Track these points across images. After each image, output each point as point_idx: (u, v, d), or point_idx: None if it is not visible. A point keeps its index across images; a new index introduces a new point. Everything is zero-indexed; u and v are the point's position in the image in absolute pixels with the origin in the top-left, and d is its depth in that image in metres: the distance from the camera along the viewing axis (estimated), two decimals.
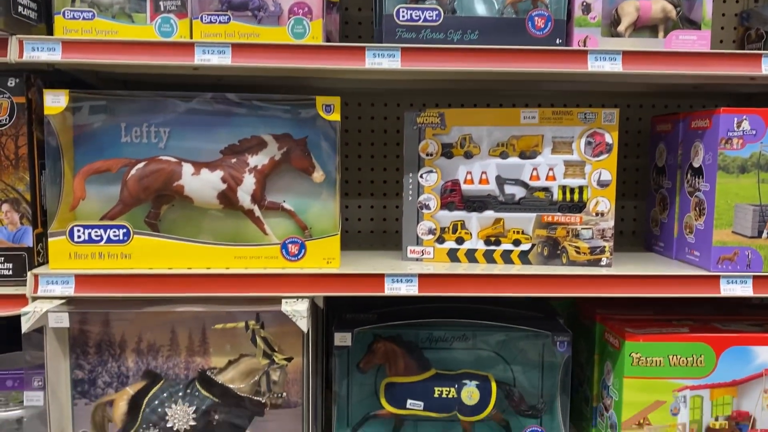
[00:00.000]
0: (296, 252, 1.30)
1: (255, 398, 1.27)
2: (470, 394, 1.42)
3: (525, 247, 1.38)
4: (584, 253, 1.36)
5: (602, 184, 1.35)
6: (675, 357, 1.36)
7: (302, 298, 1.28)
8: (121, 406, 1.25)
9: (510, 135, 1.36)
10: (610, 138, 1.34)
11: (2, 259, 1.27)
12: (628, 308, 1.56)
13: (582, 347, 1.61)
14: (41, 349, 1.25)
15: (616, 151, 1.34)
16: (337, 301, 1.65)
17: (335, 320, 1.45)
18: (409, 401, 1.43)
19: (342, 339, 1.40)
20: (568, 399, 1.42)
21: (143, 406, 1.24)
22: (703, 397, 1.38)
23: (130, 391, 1.26)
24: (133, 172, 1.30)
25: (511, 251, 1.38)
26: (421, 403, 1.43)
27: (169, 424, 1.24)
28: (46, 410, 1.26)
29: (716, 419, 1.38)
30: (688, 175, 1.41)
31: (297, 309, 1.23)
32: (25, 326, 1.18)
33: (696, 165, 1.38)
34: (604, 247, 1.36)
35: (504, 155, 1.36)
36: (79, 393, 1.33)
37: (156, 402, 1.24)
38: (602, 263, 1.35)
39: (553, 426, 1.43)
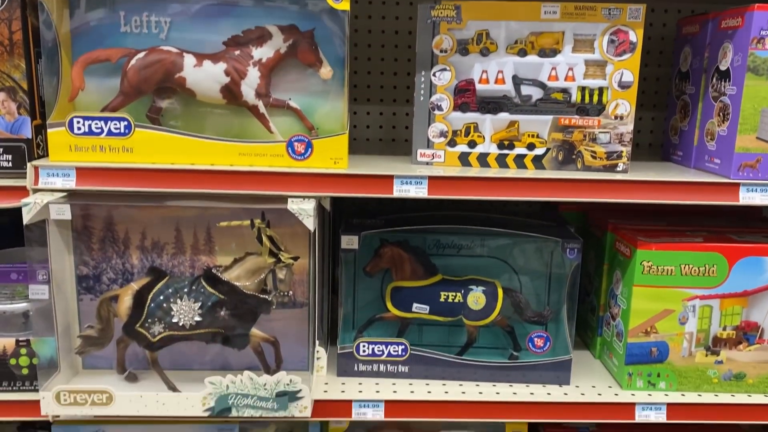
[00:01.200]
0: (302, 151, 1.25)
1: (261, 296, 1.26)
2: (476, 299, 1.41)
3: (539, 151, 1.33)
4: (600, 158, 1.31)
5: (623, 86, 1.29)
6: (687, 266, 1.34)
7: (308, 198, 1.24)
8: (125, 301, 1.24)
9: (529, 31, 1.28)
10: (635, 36, 1.26)
11: (1, 150, 1.23)
12: (641, 219, 1.53)
13: (590, 258, 1.59)
14: (45, 245, 1.23)
15: (639, 51, 1.27)
16: (344, 207, 1.62)
17: (342, 224, 1.42)
18: (414, 305, 1.42)
19: (349, 242, 1.38)
20: (575, 307, 1.41)
21: (148, 301, 1.23)
22: (712, 307, 1.37)
23: (135, 286, 1.25)
24: (133, 62, 1.24)
25: (525, 156, 1.33)
26: (427, 307, 1.42)
27: (174, 320, 1.24)
28: (51, 305, 1.26)
29: (724, 329, 1.38)
30: (714, 79, 1.34)
31: (303, 208, 1.20)
32: (27, 217, 1.15)
33: (723, 68, 1.31)
34: (622, 152, 1.31)
35: (522, 53, 1.30)
36: (84, 289, 1.33)
37: (161, 297, 1.24)
38: (618, 168, 1.31)
39: (558, 333, 1.43)
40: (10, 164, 1.24)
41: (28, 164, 1.20)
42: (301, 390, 1.24)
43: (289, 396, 1.24)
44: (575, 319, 1.42)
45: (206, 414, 1.23)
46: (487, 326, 1.45)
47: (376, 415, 1.34)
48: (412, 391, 1.36)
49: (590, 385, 1.42)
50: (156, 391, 1.25)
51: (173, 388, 1.28)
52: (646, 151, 1.75)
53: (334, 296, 1.56)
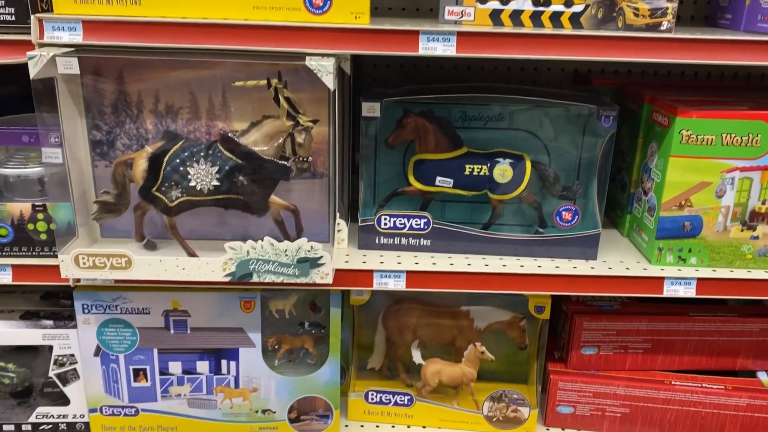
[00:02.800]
0: (321, 4, 1.16)
1: (280, 162, 1.21)
2: (503, 172, 1.35)
3: (578, 8, 1.23)
4: (643, 16, 1.21)
5: None
6: (728, 136, 1.26)
7: (327, 56, 1.17)
8: (141, 164, 1.20)
9: None
10: None
11: (3, 2, 1.16)
12: (679, 92, 1.44)
13: (623, 134, 1.51)
14: (55, 108, 1.18)
15: None
16: (364, 79, 1.55)
17: (363, 92, 1.35)
18: (438, 178, 1.37)
19: (370, 109, 1.32)
20: (606, 180, 1.35)
21: (164, 164, 1.19)
22: (752, 179, 1.30)
23: (150, 149, 1.21)
24: None
25: (562, 13, 1.23)
26: (451, 181, 1.37)
27: (191, 184, 1.20)
28: (65, 170, 1.22)
29: (763, 203, 1.31)
30: None
31: (323, 64, 1.13)
32: (33, 71, 1.10)
33: None
34: (667, 8, 1.20)
35: None
36: (98, 155, 1.29)
37: (177, 161, 1.19)
38: (662, 27, 1.21)
39: (587, 208, 1.38)
40: (14, 18, 1.17)
41: (32, 17, 1.13)
42: (322, 257, 1.21)
43: (310, 262, 1.22)
44: (606, 194, 1.36)
45: (227, 279, 1.22)
46: (513, 202, 1.40)
47: (398, 284, 1.32)
48: (434, 263, 1.34)
49: (618, 260, 1.38)
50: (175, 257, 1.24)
51: (192, 255, 1.26)
52: (687, 23, 1.63)
53: (354, 176, 1.51)
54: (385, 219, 1.37)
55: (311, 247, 1.21)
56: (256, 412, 1.42)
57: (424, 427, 1.51)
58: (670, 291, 1.32)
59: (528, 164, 1.36)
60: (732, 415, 1.45)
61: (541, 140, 1.39)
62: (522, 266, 1.33)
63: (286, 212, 1.28)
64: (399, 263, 1.33)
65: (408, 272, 1.31)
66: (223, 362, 1.39)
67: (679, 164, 1.29)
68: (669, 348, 1.49)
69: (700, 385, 1.46)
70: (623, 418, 1.48)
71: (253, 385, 1.40)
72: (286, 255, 1.21)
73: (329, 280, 1.23)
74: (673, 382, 1.47)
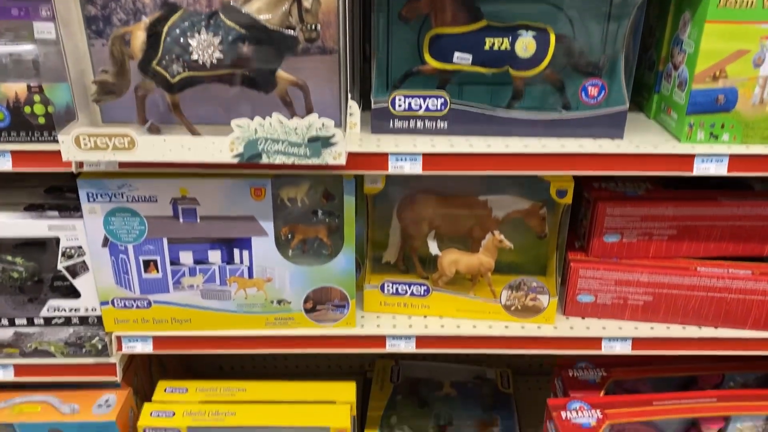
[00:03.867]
0: None
1: (286, 31, 1.13)
2: (525, 45, 1.27)
3: None
4: None
5: None
6: None
7: None
8: (139, 36, 1.13)
9: None
10: None
11: None
12: None
13: (651, 11, 1.41)
14: None
15: None
16: None
17: None
18: (456, 54, 1.28)
19: None
20: (636, 50, 1.26)
21: (163, 35, 1.11)
22: None
23: (148, 20, 1.13)
24: None
25: None
26: (470, 57, 1.28)
27: (194, 57, 1.13)
28: (60, 47, 1.15)
29: None
30: None
31: None
32: None
33: None
34: None
35: None
36: (94, 33, 1.21)
37: (177, 31, 1.11)
38: None
39: (614, 83, 1.29)
40: None
41: None
42: (334, 135, 1.15)
43: (321, 141, 1.16)
44: (635, 67, 1.28)
45: (235, 160, 1.16)
46: (536, 81, 1.32)
47: (414, 168, 1.26)
48: (451, 145, 1.27)
49: (645, 140, 1.31)
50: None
51: (197, 134, 1.20)
52: None
53: (366, 64, 1.43)
54: (400, 100, 1.30)
55: (323, 125, 1.14)
56: (271, 302, 1.39)
57: (440, 317, 1.49)
58: (700, 169, 1.26)
59: (552, 37, 1.26)
60: (759, 300, 1.41)
61: (564, 12, 1.29)
62: (544, 146, 1.27)
63: (295, 91, 1.21)
64: (415, 146, 1.26)
65: (424, 155, 1.25)
66: (236, 252, 1.35)
67: (715, 31, 1.19)
68: (695, 234, 1.44)
69: (726, 270, 1.42)
70: (646, 306, 1.45)
71: (268, 275, 1.37)
72: (296, 133, 1.15)
73: (342, 161, 1.17)
74: (698, 269, 1.42)
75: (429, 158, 1.26)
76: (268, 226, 1.32)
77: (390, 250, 1.53)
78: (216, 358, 2.08)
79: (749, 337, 1.43)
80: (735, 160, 1.25)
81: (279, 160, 1.17)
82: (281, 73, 1.18)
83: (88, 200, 1.28)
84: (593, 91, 1.28)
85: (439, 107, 1.30)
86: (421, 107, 1.30)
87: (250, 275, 1.37)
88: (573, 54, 1.28)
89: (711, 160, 1.25)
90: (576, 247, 1.50)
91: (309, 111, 1.22)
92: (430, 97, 1.30)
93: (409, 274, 1.54)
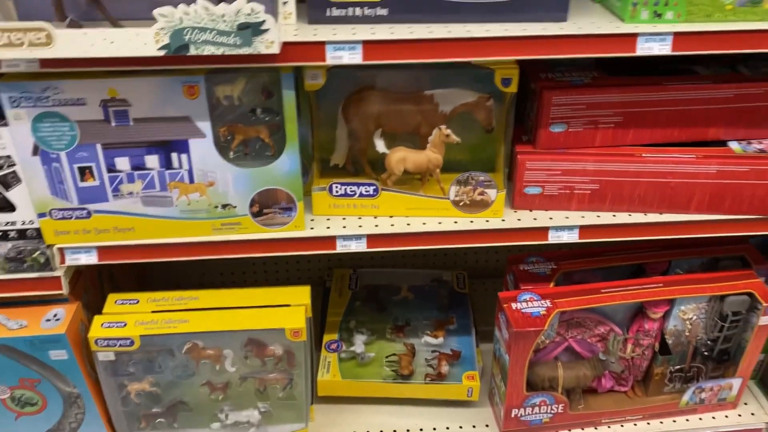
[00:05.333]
0: None
1: None
2: None
3: None
4: None
5: None
6: None
7: None
8: None
9: None
10: None
11: None
12: None
13: None
14: None
15: None
16: None
17: None
18: None
19: None
20: None
21: None
22: None
23: None
24: None
25: None
26: None
27: None
28: None
29: None
30: None
31: None
32: None
33: None
34: None
35: None
36: None
37: None
38: None
39: None
40: None
41: None
42: (265, 21, 1.09)
43: (252, 29, 1.10)
44: None
45: (162, 53, 1.10)
46: None
47: (353, 58, 1.20)
48: (392, 32, 1.22)
49: (590, 22, 1.28)
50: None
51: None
52: None
53: None
54: None
55: (251, 10, 1.08)
56: (216, 207, 1.37)
57: (391, 216, 1.48)
58: (644, 48, 1.24)
59: None
60: (701, 183, 1.43)
61: None
62: (488, 30, 1.23)
63: None
64: (354, 34, 1.21)
65: (364, 42, 1.20)
66: (174, 156, 1.31)
67: None
68: (641, 121, 1.44)
69: (670, 155, 1.43)
70: (592, 195, 1.46)
71: (209, 179, 1.33)
72: (224, 21, 1.09)
73: (275, 49, 1.12)
74: (643, 155, 1.43)
75: (369, 46, 1.21)
76: (206, 126, 1.28)
77: (338, 152, 1.50)
78: (170, 274, 2.06)
79: (692, 220, 1.46)
80: (679, 38, 1.23)
81: (208, 50, 1.11)
82: None
83: (12, 105, 1.21)
84: None
85: None
86: None
87: (191, 180, 1.33)
88: None
89: (654, 39, 1.23)
90: (523, 141, 1.49)
91: None
92: None
93: (359, 176, 1.52)
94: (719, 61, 1.53)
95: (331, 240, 1.43)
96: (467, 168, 1.47)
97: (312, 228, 1.44)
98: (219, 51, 1.11)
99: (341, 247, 1.44)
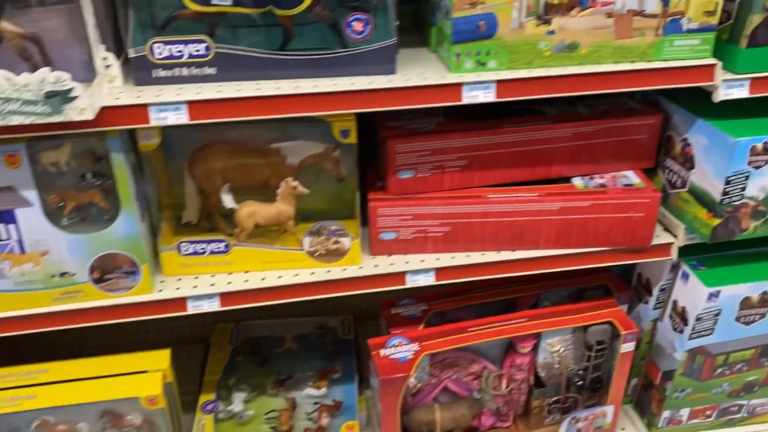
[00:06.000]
0: None
1: None
2: None
3: None
4: None
5: None
6: None
7: None
8: None
9: None
10: None
11: None
12: None
13: None
14: None
15: None
16: None
17: None
18: None
19: None
20: None
21: None
22: None
23: None
24: None
25: None
26: None
27: None
28: None
29: None
30: None
31: None
32: None
33: None
34: None
35: None
36: None
37: None
38: None
39: (383, 17, 1.28)
40: None
41: None
42: (73, 88, 1.07)
43: (61, 97, 1.07)
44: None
45: None
46: (307, 20, 1.28)
47: (180, 118, 1.20)
48: (219, 91, 1.22)
49: (419, 73, 1.31)
50: None
51: None
52: None
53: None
54: (159, 47, 1.23)
55: (57, 78, 1.06)
56: (53, 276, 1.31)
57: (246, 271, 1.46)
58: (469, 97, 1.28)
59: None
60: (547, 220, 1.48)
61: None
62: (315, 86, 1.24)
63: (28, 42, 1.11)
64: (179, 94, 1.20)
65: (189, 102, 1.19)
66: (1, 227, 1.25)
67: None
68: (486, 163, 1.48)
69: (515, 195, 1.47)
70: (445, 237, 1.48)
71: (41, 248, 1.28)
72: (29, 90, 1.06)
73: (89, 115, 1.10)
74: (489, 196, 1.47)
75: (195, 106, 1.20)
76: (32, 195, 1.23)
77: (189, 208, 1.47)
78: (43, 344, 1.95)
79: (541, 256, 1.50)
80: (502, 85, 1.28)
81: (15, 120, 1.07)
82: (6, 26, 1.08)
83: None
84: (358, 26, 1.26)
85: (203, 52, 1.24)
86: (183, 54, 1.24)
87: (22, 250, 1.27)
88: None
89: (479, 87, 1.28)
90: (378, 186, 1.51)
91: (47, 65, 1.13)
92: (191, 42, 1.23)
93: (214, 232, 1.49)
94: (565, 99, 1.60)
95: (181, 301, 1.39)
96: (328, 215, 1.47)
97: (161, 290, 1.39)
98: (27, 120, 1.08)
99: (193, 308, 1.40)
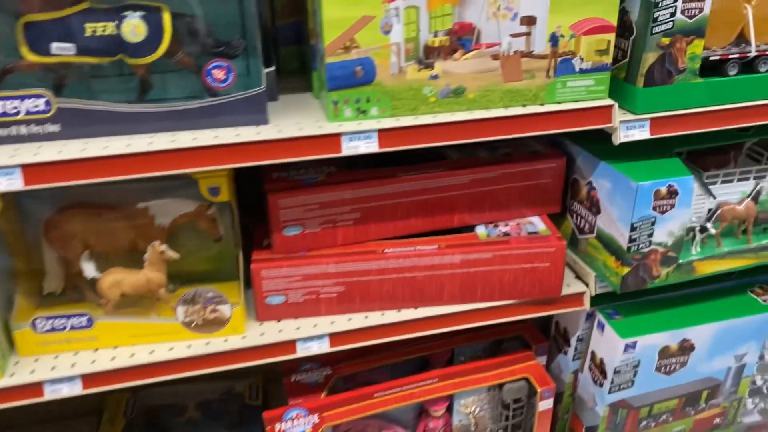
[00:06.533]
0: None
1: None
2: (134, 28, 1.10)
3: None
4: None
5: None
6: None
7: None
8: None
9: None
10: None
11: None
12: None
13: None
14: None
15: None
16: None
17: None
18: (54, 45, 1.09)
19: None
20: (258, 22, 1.14)
21: None
22: (419, 7, 1.14)
23: None
24: None
25: None
26: (72, 46, 1.09)
27: None
28: None
29: (435, 35, 1.17)
30: None
31: None
32: None
33: None
34: None
35: None
36: None
37: None
38: None
39: (251, 64, 1.16)
40: None
41: None
42: None
43: None
44: (268, 41, 1.16)
45: None
46: (167, 68, 1.15)
47: (12, 183, 1.05)
48: (60, 152, 1.07)
49: (294, 122, 1.19)
50: None
51: None
52: None
53: None
54: None
55: None
56: None
57: (114, 347, 1.29)
58: (349, 148, 1.17)
59: (167, 16, 1.11)
60: (449, 275, 1.37)
61: None
62: (174, 141, 1.11)
63: None
64: (13, 156, 1.06)
65: (24, 166, 1.05)
66: None
67: None
68: (381, 215, 1.37)
69: (413, 248, 1.36)
70: (340, 298, 1.36)
71: None
72: None
73: None
74: (385, 251, 1.35)
75: (31, 169, 1.05)
76: None
77: (50, 278, 1.30)
78: None
79: (445, 313, 1.39)
80: (385, 134, 1.18)
81: None
82: None
83: None
84: (219, 74, 1.14)
85: (42, 108, 1.10)
86: (20, 110, 1.09)
87: None
88: (197, 33, 1.14)
89: (360, 137, 1.17)
90: (265, 245, 1.37)
91: None
92: (28, 97, 1.09)
93: (81, 303, 1.32)
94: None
95: (36, 386, 1.22)
96: (213, 278, 1.33)
97: (13, 374, 1.22)
98: None
99: (51, 393, 1.23)
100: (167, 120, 1.14)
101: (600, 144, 1.38)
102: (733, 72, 1.31)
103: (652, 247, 1.34)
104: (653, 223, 1.31)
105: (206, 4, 1.14)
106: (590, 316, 1.54)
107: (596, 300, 1.47)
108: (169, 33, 1.11)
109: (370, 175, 1.35)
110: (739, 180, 1.48)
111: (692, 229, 1.43)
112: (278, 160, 1.15)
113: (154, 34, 1.11)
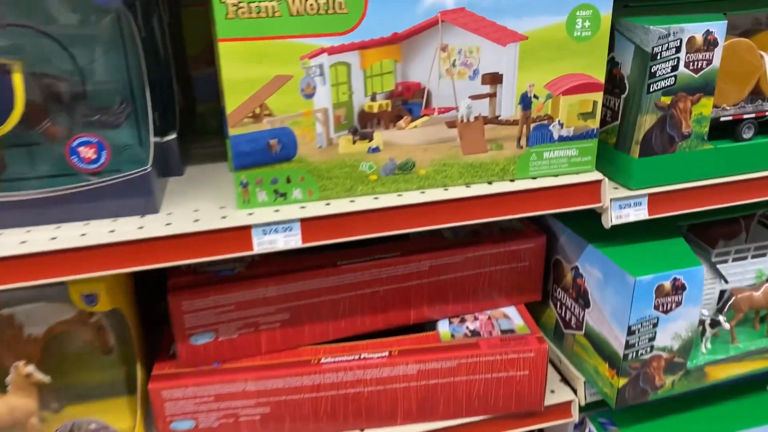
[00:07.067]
0: None
1: None
2: None
3: None
4: None
5: None
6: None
7: None
8: None
9: None
10: None
11: None
12: None
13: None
14: None
15: None
16: None
17: None
18: None
19: None
20: (146, 86, 0.88)
21: None
22: (350, 64, 0.88)
23: None
24: None
25: None
26: None
27: None
28: None
29: (373, 98, 0.91)
30: None
31: None
32: None
33: None
34: None
35: None
36: None
37: None
38: None
39: (138, 137, 0.90)
40: None
41: None
42: None
43: None
44: (170, 103, 0.90)
45: None
46: (31, 140, 0.89)
47: None
48: None
49: (192, 210, 0.93)
50: None
51: None
52: None
53: None
54: None
55: None
56: None
57: None
58: (263, 244, 0.90)
59: (17, 75, 0.84)
60: (403, 388, 1.09)
61: (48, 34, 0.88)
62: (23, 243, 0.84)
63: None
64: None
65: None
66: None
67: (236, 53, 0.83)
68: (317, 314, 1.09)
69: (356, 356, 1.08)
70: (265, 419, 1.07)
71: None
72: None
73: None
74: (321, 360, 1.07)
75: None
76: None
77: None
78: None
79: None
80: (310, 224, 0.91)
81: None
82: None
83: None
84: (87, 152, 0.87)
85: None
86: None
87: None
88: (62, 96, 0.87)
89: (277, 229, 0.90)
90: (171, 353, 1.09)
91: None
92: None
93: None
94: None
95: None
96: (105, 394, 1.06)
97: None
98: None
99: None
100: (28, 210, 0.87)
101: (587, 219, 1.12)
102: (748, 135, 1.07)
103: (655, 353, 1.07)
104: (655, 325, 1.05)
105: (79, 57, 0.88)
106: (580, 425, 1.26)
107: (587, 405, 1.20)
108: (21, 96, 0.85)
109: (303, 264, 1.08)
110: (754, 257, 1.23)
111: (701, 321, 1.17)
112: (167, 264, 0.87)
113: (3, 100, 0.84)
